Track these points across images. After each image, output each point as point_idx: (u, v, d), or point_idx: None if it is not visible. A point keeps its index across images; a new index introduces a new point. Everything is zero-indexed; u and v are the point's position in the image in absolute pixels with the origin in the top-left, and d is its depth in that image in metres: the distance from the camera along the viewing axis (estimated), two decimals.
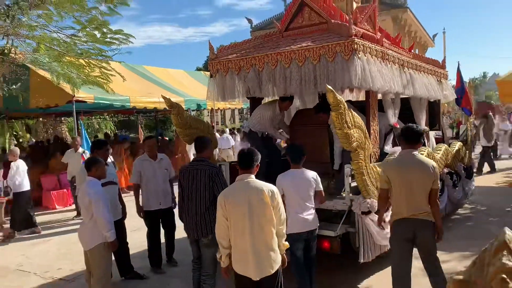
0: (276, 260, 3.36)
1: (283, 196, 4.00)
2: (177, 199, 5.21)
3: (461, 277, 1.59)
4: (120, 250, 5.31)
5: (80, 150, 8.95)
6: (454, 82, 9.34)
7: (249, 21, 24.92)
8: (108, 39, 6.00)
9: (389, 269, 4.53)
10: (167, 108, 5.64)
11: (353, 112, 4.49)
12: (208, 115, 15.81)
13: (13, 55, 5.67)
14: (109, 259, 4.46)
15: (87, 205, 4.25)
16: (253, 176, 3.44)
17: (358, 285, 4.90)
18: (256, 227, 3.29)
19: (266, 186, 3.36)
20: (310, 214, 4.35)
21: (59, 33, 5.63)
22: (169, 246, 6.02)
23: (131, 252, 5.62)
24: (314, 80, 4.89)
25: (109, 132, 19.73)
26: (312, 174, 4.46)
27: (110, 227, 4.29)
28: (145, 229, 5.85)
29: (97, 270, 4.33)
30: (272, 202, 3.31)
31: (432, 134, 7.38)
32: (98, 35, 5.94)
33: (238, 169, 3.51)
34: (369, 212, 4.63)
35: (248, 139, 6.45)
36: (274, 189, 3.38)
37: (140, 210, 5.76)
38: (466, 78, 9.73)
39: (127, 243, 5.54)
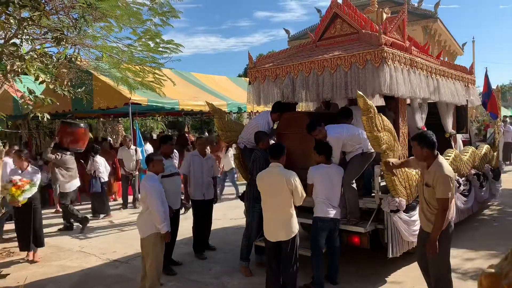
0: (294, 228, 4.04)
1: (312, 185, 4.44)
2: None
3: (492, 270, 1.48)
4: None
5: (132, 147, 9.19)
6: (481, 89, 8.89)
7: (287, 31, 24.61)
8: (160, 49, 6.12)
9: (415, 264, 4.38)
10: (211, 112, 5.75)
11: (383, 116, 4.37)
12: (247, 118, 15.86)
13: (78, 62, 5.88)
14: (161, 248, 4.39)
15: (144, 197, 4.33)
16: (280, 164, 4.09)
17: (386, 278, 4.76)
18: (277, 203, 4.02)
19: (286, 173, 4.01)
20: (335, 207, 4.45)
21: (118, 43, 5.80)
22: (205, 233, 6.08)
23: (178, 238, 5.63)
24: (345, 86, 4.81)
25: (158, 131, 20.18)
26: (341, 171, 4.59)
27: (163, 220, 4.21)
28: (191, 218, 5.98)
29: (150, 257, 4.30)
30: (289, 186, 3.94)
31: (459, 137, 7.08)
32: (152, 45, 6.06)
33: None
34: (397, 211, 4.49)
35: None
36: (291, 175, 3.97)
37: (187, 198, 5.89)
38: (494, 85, 9.21)
39: (176, 235, 5.50)
